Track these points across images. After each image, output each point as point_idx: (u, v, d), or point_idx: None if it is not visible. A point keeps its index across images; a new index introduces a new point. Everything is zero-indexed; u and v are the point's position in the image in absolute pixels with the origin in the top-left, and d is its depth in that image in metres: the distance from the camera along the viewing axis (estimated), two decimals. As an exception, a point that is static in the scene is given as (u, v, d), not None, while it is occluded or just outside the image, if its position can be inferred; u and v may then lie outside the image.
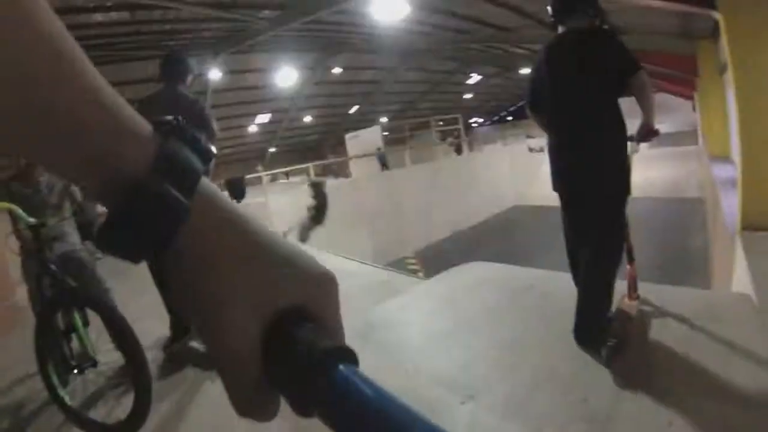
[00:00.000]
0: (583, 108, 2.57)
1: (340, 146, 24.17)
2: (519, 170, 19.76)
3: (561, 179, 2.75)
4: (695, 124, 23.11)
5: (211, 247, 0.32)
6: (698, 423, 1.87)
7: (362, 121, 27.40)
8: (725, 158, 10.10)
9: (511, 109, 43.54)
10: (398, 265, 11.72)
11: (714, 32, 9.12)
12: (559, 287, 3.44)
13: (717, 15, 3.74)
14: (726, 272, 4.25)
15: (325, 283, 0.36)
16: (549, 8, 2.83)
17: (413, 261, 12.47)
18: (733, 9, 3.59)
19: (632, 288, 3.01)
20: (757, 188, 3.70)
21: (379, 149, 17.43)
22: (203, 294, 0.32)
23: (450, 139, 21.39)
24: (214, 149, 0.37)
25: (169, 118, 0.34)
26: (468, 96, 33.50)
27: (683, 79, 13.39)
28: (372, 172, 15.28)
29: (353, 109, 28.23)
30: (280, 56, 17.32)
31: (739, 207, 3.86)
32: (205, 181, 0.34)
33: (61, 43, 0.29)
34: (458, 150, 20.25)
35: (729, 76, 3.98)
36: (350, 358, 0.32)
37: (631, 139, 2.69)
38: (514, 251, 12.46)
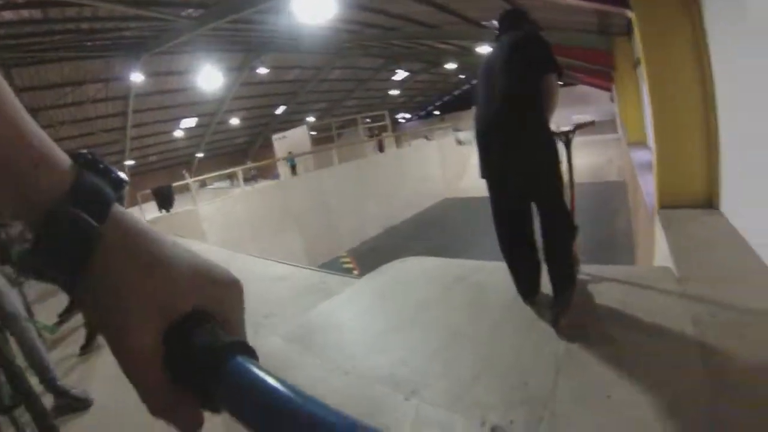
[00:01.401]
0: (507, 99, 2.72)
1: (268, 148, 23.70)
2: (448, 163, 20.06)
3: (488, 165, 2.87)
4: (613, 113, 24.44)
5: (121, 263, 0.35)
6: (635, 392, 1.92)
7: (290, 122, 27.16)
8: (642, 144, 10.67)
9: (438, 103, 44.31)
10: (332, 265, 11.73)
11: (628, 29, 9.71)
12: (492, 276, 3.53)
13: (631, 14, 3.93)
14: (648, 248, 4.47)
15: (225, 286, 0.40)
16: (496, 23, 3.08)
17: (347, 260, 12.42)
18: (645, 8, 3.81)
19: (575, 261, 3.15)
20: (671, 170, 3.91)
21: (290, 153, 17.19)
22: (111, 306, 0.35)
23: (376, 138, 21.33)
24: (125, 177, 0.40)
25: (84, 151, 0.38)
26: (395, 92, 33.74)
27: (602, 72, 14.12)
28: (302, 173, 15.05)
29: (280, 110, 27.79)
30: (205, 57, 16.74)
31: (656, 188, 4.06)
32: (117, 206, 0.37)
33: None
34: (380, 148, 20.14)
35: (642, 69, 4.19)
36: (247, 351, 0.35)
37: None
38: (447, 243, 12.69)
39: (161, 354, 0.35)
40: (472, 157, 21.65)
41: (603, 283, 3.04)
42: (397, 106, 38.78)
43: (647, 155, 9.24)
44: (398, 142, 21.89)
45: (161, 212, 10.91)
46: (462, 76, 36.75)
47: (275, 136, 19.74)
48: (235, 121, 26.40)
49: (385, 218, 15.11)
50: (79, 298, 0.36)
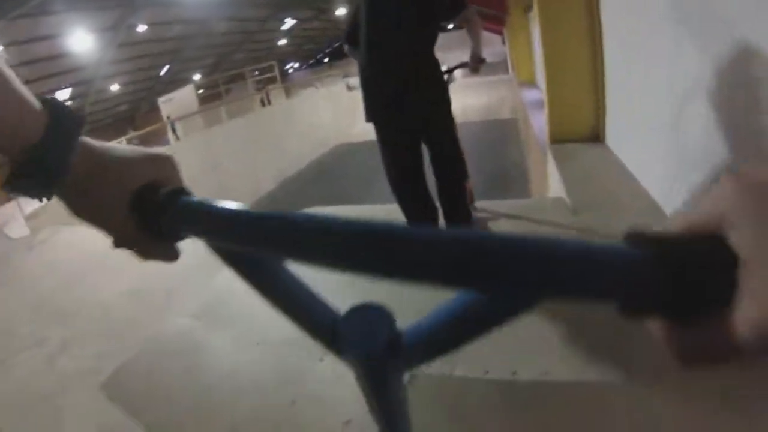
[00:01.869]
0: (402, 37, 2.62)
1: (155, 113, 21.93)
2: (338, 110, 19.78)
3: (383, 103, 2.76)
4: (505, 55, 25.25)
5: (86, 171, 0.48)
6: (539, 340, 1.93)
7: (176, 82, 24.94)
8: (531, 84, 11.14)
9: (328, 51, 43.32)
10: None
11: None
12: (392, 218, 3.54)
13: None
14: (542, 180, 4.74)
15: (161, 160, 0.53)
16: None
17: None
18: None
19: (470, 200, 3.32)
20: (560, 107, 4.13)
21: (168, 117, 16.09)
22: (88, 196, 0.48)
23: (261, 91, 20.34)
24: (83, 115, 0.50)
25: (51, 98, 0.47)
26: (283, 42, 32.56)
27: (494, 16, 14.39)
28: (190, 135, 14.07)
29: (164, 70, 25.77)
30: (72, 18, 14.91)
31: (547, 124, 4.27)
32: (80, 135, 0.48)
33: None
34: (264, 102, 19.24)
35: (534, 12, 4.29)
36: (184, 191, 0.49)
37: (465, 65, 2.90)
38: (343, 189, 12.63)
39: (130, 217, 0.49)
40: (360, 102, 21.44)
41: (501, 219, 3.19)
42: (286, 56, 37.42)
43: (537, 94, 9.70)
44: (288, 93, 21.13)
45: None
46: (351, 22, 35.97)
47: (161, 99, 18.22)
48: (116, 88, 24.06)
49: (279, 171, 14.72)
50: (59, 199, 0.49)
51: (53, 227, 7.31)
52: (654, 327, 0.28)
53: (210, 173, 12.23)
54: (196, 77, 27.44)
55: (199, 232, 0.43)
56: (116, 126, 26.10)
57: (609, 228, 2.61)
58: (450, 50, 32.18)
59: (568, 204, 3.08)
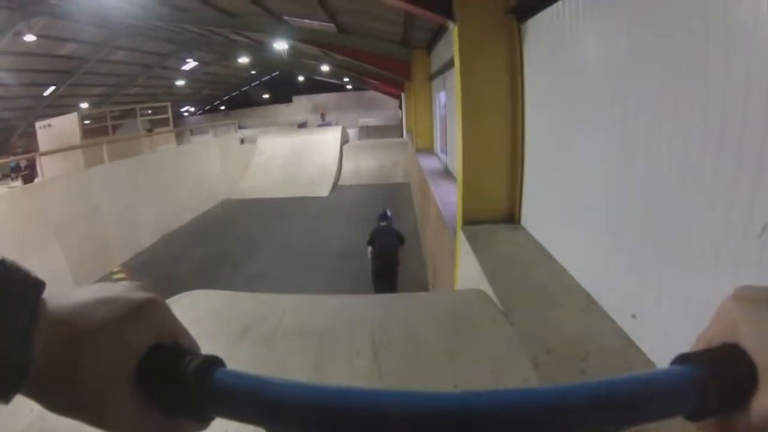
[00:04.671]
0: (390, 248, 7.48)
1: (31, 136, 19.32)
2: (230, 162, 19.14)
3: (381, 265, 7.36)
4: (399, 119, 26.10)
5: (59, 351, 0.35)
6: None
7: (60, 106, 22.01)
8: (429, 150, 11.25)
9: (225, 98, 42.61)
10: (105, 282, 9.93)
11: (429, 44, 10.18)
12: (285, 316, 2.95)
13: (452, 25, 3.81)
14: (447, 259, 4.40)
15: (151, 307, 0.40)
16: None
17: (122, 275, 10.76)
18: (466, 24, 3.73)
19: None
20: (475, 187, 3.93)
21: (11, 157, 14.36)
22: (68, 384, 0.35)
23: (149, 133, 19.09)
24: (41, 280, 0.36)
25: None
26: (181, 83, 31.19)
27: (394, 80, 14.73)
28: (65, 172, 12.14)
29: (48, 91, 22.75)
30: None
31: (460, 205, 4.03)
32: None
33: None
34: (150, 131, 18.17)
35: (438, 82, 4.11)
36: (218, 361, 0.39)
37: None
38: (229, 248, 12.05)
39: (132, 398, 0.37)
40: (254, 156, 21.06)
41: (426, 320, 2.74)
42: (183, 98, 35.96)
43: (436, 162, 9.71)
44: (179, 138, 19.99)
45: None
46: (253, 72, 35.70)
47: (39, 124, 16.15)
48: None
49: (162, 224, 13.52)
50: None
51: None
52: (699, 425, 0.36)
53: (84, 218, 10.66)
54: (83, 105, 24.57)
55: (247, 415, 0.37)
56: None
57: (550, 334, 2.26)
58: (346, 110, 33.10)
59: (494, 301, 2.68)
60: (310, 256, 11.02)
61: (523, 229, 3.65)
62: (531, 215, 3.59)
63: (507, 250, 3.30)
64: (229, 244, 12.36)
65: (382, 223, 7.78)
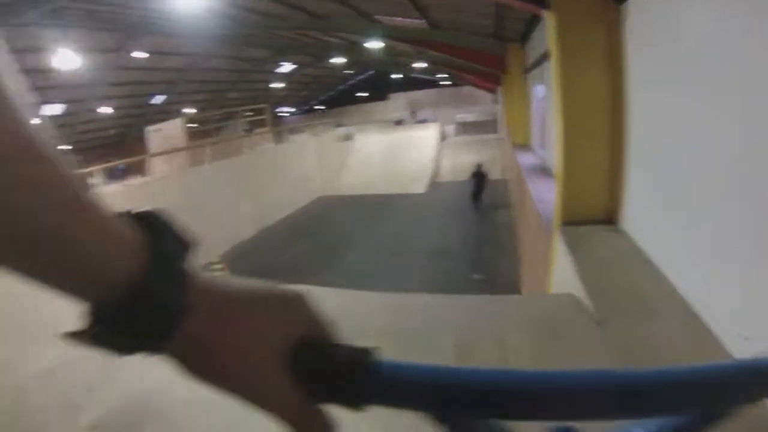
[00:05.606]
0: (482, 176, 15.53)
1: (142, 141, 21.37)
2: (327, 160, 19.64)
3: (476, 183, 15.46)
4: (495, 114, 25.50)
5: (208, 319, 0.36)
6: None
7: (168, 113, 24.75)
8: (526, 146, 10.90)
9: (322, 99, 43.85)
10: (204, 271, 10.59)
11: (523, 37, 9.89)
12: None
13: (548, 14, 3.61)
14: (542, 258, 4.24)
15: (298, 301, 0.42)
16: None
17: (220, 265, 11.48)
18: (563, 13, 3.52)
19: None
20: (574, 184, 3.72)
21: (119, 161, 15.38)
22: (214, 353, 0.37)
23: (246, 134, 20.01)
24: (192, 237, 0.39)
25: (150, 210, 0.36)
26: (278, 85, 32.72)
27: (489, 74, 14.42)
28: (174, 171, 13.42)
29: (157, 100, 25.48)
30: (73, 34, 14.48)
31: (558, 203, 3.85)
32: (192, 268, 0.37)
33: (57, 162, 0.30)
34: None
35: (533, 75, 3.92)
36: (374, 352, 0.40)
37: None
38: (325, 242, 12.34)
39: (294, 384, 0.38)
40: (350, 153, 21.49)
41: (514, 325, 2.66)
42: (280, 100, 37.68)
43: (532, 159, 9.38)
44: (277, 138, 20.93)
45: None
46: (349, 72, 36.48)
47: (149, 129, 17.85)
48: (107, 110, 23.42)
49: (259, 218, 14.29)
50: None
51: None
52: None
53: (189, 213, 11.49)
54: (189, 110, 27.08)
55: (407, 401, 0.39)
56: (104, 149, 25.03)
57: (646, 350, 2.07)
58: (442, 106, 33.00)
59: (587, 307, 2.56)
60: (403, 253, 11.11)
61: (623, 231, 3.42)
62: (632, 216, 3.35)
63: (605, 254, 3.11)
64: (323, 239, 12.76)
65: (476, 170, 15.32)
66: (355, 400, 0.39)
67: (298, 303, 0.41)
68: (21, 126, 0.28)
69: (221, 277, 0.40)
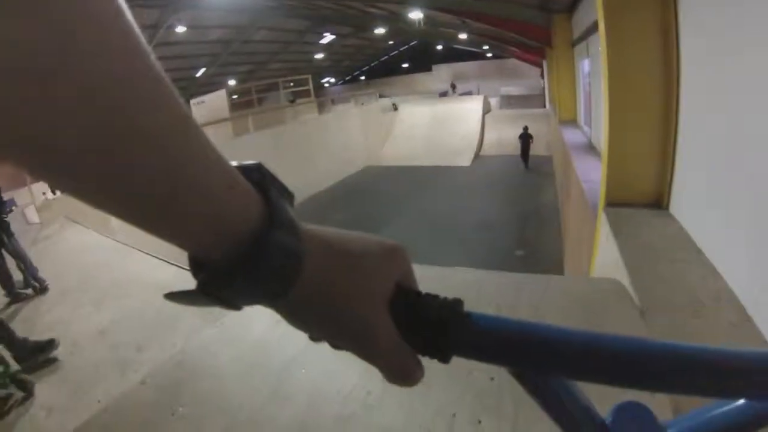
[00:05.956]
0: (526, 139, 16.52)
1: None
2: (370, 130, 19.55)
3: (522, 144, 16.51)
4: (541, 88, 24.78)
5: (319, 269, 0.37)
6: None
7: (211, 84, 25.06)
8: (572, 122, 10.57)
9: (365, 69, 43.49)
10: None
11: (570, 8, 9.49)
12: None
13: None
14: (586, 239, 4.12)
15: (399, 252, 0.43)
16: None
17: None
18: None
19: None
20: (621, 164, 3.55)
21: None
22: (324, 303, 0.38)
23: (290, 104, 19.98)
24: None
25: (256, 163, 0.36)
26: (320, 56, 32.59)
27: (534, 47, 13.98)
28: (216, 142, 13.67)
29: (200, 72, 25.78)
30: None
31: (603, 182, 3.70)
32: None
33: (173, 93, 0.29)
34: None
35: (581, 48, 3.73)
36: (462, 303, 0.40)
37: None
38: (370, 211, 12.36)
39: (394, 330, 0.40)
40: (394, 124, 21.32)
41: (555, 306, 2.61)
42: (322, 71, 37.59)
43: (579, 136, 9.10)
44: (321, 108, 20.91)
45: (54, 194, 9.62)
46: (391, 42, 36.02)
47: (193, 101, 18.16)
48: None
49: (304, 187, 14.43)
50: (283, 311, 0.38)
51: (59, 224, 7.53)
52: None
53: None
54: (231, 82, 27.40)
55: (497, 356, 0.40)
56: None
57: (688, 342, 1.98)
58: (486, 78, 32.34)
59: (631, 296, 2.47)
60: (448, 226, 11.03)
61: (672, 216, 3.27)
62: (682, 201, 3.20)
63: (652, 239, 2.99)
64: (368, 209, 12.78)
65: (523, 132, 16.24)
66: (444, 350, 0.40)
67: (396, 252, 0.43)
68: (149, 64, 0.27)
69: (328, 229, 0.40)
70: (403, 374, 0.41)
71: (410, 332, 0.40)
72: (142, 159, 0.26)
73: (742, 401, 0.42)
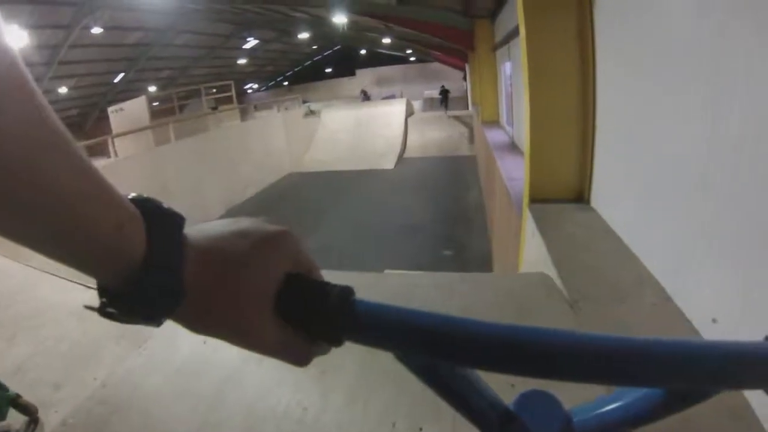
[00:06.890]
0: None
1: (104, 121, 20.53)
2: (294, 136, 19.40)
3: None
4: (464, 90, 25.50)
5: (204, 280, 0.39)
6: None
7: (130, 91, 23.73)
8: (495, 123, 10.91)
9: (288, 74, 43.09)
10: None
11: (492, 13, 9.80)
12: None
13: None
14: (511, 237, 4.23)
15: (283, 239, 0.43)
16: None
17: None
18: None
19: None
20: (544, 161, 3.67)
21: (83, 143, 14.98)
22: (213, 309, 0.40)
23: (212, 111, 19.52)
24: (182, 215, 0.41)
25: (145, 197, 0.39)
26: (243, 61, 32.03)
27: (457, 51, 14.33)
28: (137, 152, 12.84)
29: (118, 78, 24.43)
30: (19, 10, 13.66)
31: (526, 180, 3.80)
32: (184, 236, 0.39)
33: (67, 137, 0.31)
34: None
35: (502, 51, 3.86)
36: (353, 292, 0.42)
37: None
38: (295, 220, 12.19)
39: (279, 323, 0.41)
40: (318, 130, 21.21)
41: (486, 301, 2.64)
42: (246, 76, 36.85)
43: (502, 136, 9.39)
44: (243, 114, 20.44)
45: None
46: (315, 47, 35.86)
47: (111, 109, 17.12)
48: (65, 90, 22.19)
49: (227, 197, 14.04)
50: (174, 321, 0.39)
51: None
52: None
53: (154, 193, 11.20)
54: (151, 89, 26.11)
55: (385, 340, 0.41)
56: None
57: (616, 327, 2.05)
58: (410, 82, 32.86)
59: (559, 288, 2.54)
60: (374, 230, 11.05)
61: (593, 209, 3.42)
62: (602, 195, 3.35)
63: (575, 232, 3.10)
64: (293, 216, 12.61)
65: (442, 89, 21.00)
66: (336, 335, 0.41)
67: (281, 239, 0.43)
68: (44, 112, 0.29)
69: (199, 226, 0.42)
70: (295, 361, 0.44)
71: (300, 321, 0.42)
72: (34, 202, 0.29)
73: (648, 389, 0.43)
